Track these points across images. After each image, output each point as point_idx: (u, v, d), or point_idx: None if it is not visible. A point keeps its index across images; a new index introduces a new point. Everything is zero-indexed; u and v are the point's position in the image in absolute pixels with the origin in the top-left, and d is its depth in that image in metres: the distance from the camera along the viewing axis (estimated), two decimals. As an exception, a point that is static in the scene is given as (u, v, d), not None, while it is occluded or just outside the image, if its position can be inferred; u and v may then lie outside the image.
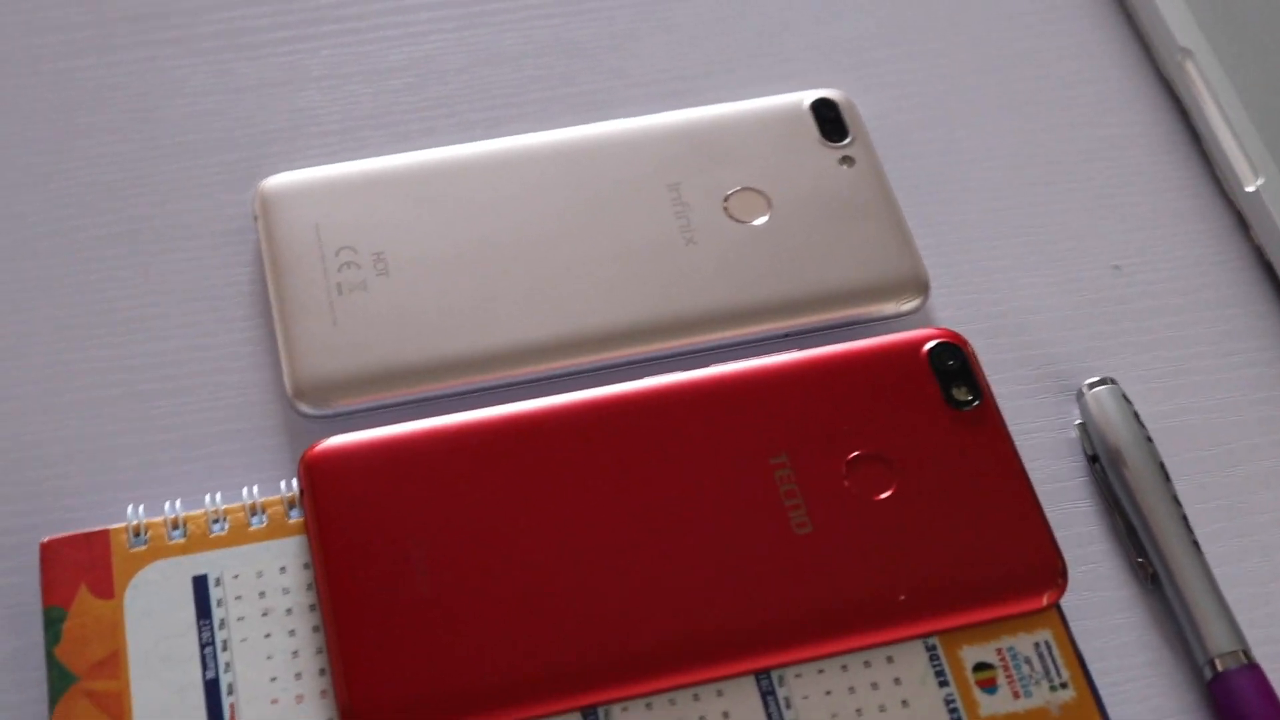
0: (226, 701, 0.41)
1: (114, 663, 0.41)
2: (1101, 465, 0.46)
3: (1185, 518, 0.45)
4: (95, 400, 0.46)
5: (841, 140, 0.52)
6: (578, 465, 0.43)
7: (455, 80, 0.54)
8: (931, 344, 0.46)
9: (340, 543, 0.42)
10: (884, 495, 0.43)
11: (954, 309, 0.50)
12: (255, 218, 0.50)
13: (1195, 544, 0.44)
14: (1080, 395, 0.47)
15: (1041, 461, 0.47)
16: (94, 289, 0.49)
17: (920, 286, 0.49)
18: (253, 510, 0.43)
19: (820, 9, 0.56)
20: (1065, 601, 0.44)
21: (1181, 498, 0.46)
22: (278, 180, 0.50)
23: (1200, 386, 0.49)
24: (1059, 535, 0.45)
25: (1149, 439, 0.46)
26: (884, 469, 0.44)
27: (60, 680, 0.40)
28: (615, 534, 0.42)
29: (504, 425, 0.44)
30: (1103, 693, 0.42)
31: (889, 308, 0.49)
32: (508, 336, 0.47)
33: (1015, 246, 0.51)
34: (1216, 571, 0.45)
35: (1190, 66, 0.53)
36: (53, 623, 0.41)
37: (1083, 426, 0.47)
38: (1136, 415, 0.46)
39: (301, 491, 0.43)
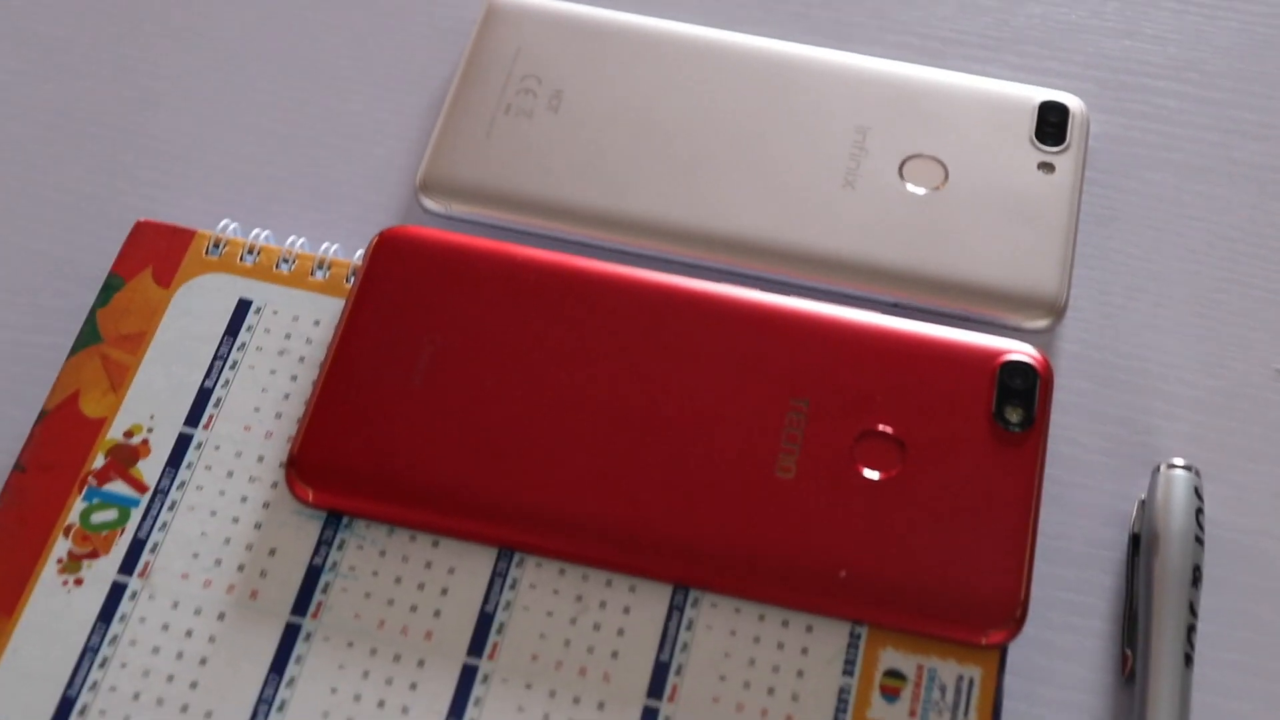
0: (209, 410, 0.43)
1: (138, 341, 0.44)
2: (1140, 546, 0.43)
3: (1192, 628, 0.41)
4: (265, 130, 0.50)
5: (1053, 146, 0.49)
6: (617, 335, 0.44)
7: (725, -30, 0.54)
8: (1008, 358, 0.44)
9: (366, 317, 0.44)
10: (880, 475, 0.42)
11: (1083, 345, 0.47)
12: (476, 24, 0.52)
13: (1188, 658, 0.41)
14: (1155, 471, 0.44)
15: (1090, 523, 0.44)
16: (311, 37, 0.52)
17: (1053, 309, 0.46)
18: (320, 264, 0.46)
19: (1120, 19, 0.53)
20: (1029, 659, 0.42)
21: (1209, 614, 0.43)
22: (509, -2, 0.52)
23: (1298, 517, 0.44)
24: (1067, 598, 0.43)
25: (1199, 540, 0.43)
26: (895, 452, 0.42)
27: (89, 336, 0.44)
28: (611, 405, 0.43)
29: (566, 274, 0.45)
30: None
31: (1014, 319, 0.47)
32: (629, 205, 0.48)
33: (1181, 312, 0.48)
34: (1204, 700, 0.42)
35: None
36: (109, 288, 0.45)
37: (1142, 503, 0.44)
38: (1200, 512, 0.43)
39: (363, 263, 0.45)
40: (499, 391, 0.43)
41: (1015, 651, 0.42)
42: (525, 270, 0.45)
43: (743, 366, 0.43)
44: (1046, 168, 0.49)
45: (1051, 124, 0.50)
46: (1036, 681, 0.42)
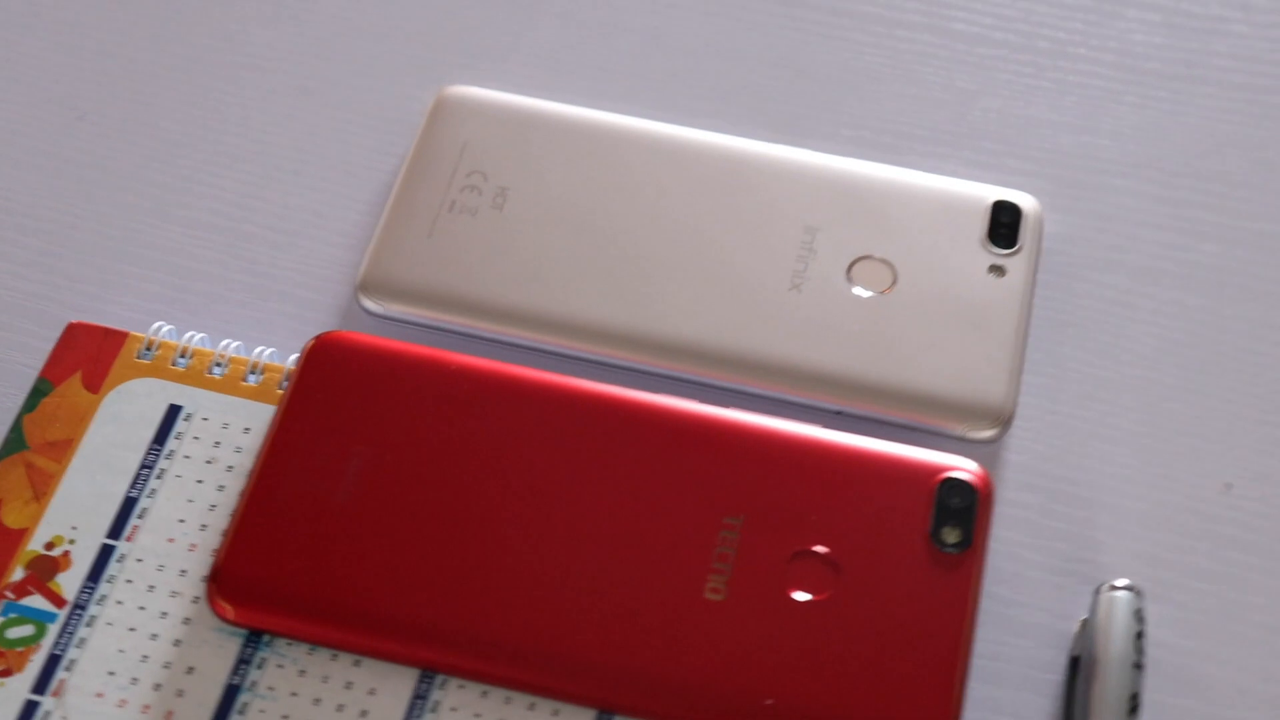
0: (133, 521, 0.43)
1: (64, 448, 0.44)
2: (1079, 669, 0.42)
3: (1128, 759, 0.40)
4: (202, 223, 0.50)
5: (1005, 249, 0.49)
6: (548, 448, 0.43)
7: (680, 61, 0.54)
8: (947, 475, 0.43)
9: (295, 427, 0.43)
10: (812, 598, 0.41)
11: (1030, 455, 0.46)
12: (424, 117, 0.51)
13: (1122, 789, 0.40)
14: (1096, 592, 0.43)
15: (1030, 644, 0.43)
16: (255, 129, 0.52)
17: (999, 420, 0.46)
18: (253, 368, 0.45)
19: (1079, 114, 0.53)
20: (962, 786, 0.41)
21: (1150, 741, 0.42)
22: (457, 90, 0.52)
23: (1240, 640, 0.44)
24: (1001, 721, 0.42)
25: (1138, 665, 0.42)
26: (829, 574, 0.42)
27: (13, 444, 0.44)
28: (539, 523, 0.42)
29: (499, 383, 0.44)
30: None
31: (959, 429, 0.46)
32: (572, 308, 0.47)
33: (1131, 422, 0.47)
34: (1142, 830, 0.41)
35: None
36: (37, 392, 0.45)
37: (1084, 624, 0.43)
38: (1141, 635, 0.42)
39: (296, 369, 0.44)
40: (425, 507, 0.42)
41: (948, 780, 0.41)
42: (459, 380, 0.44)
43: (676, 482, 0.43)
44: (998, 271, 0.48)
45: (1004, 225, 0.49)
46: (969, 812, 0.41)
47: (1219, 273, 0.50)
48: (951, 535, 0.42)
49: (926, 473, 0.43)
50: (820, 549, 0.42)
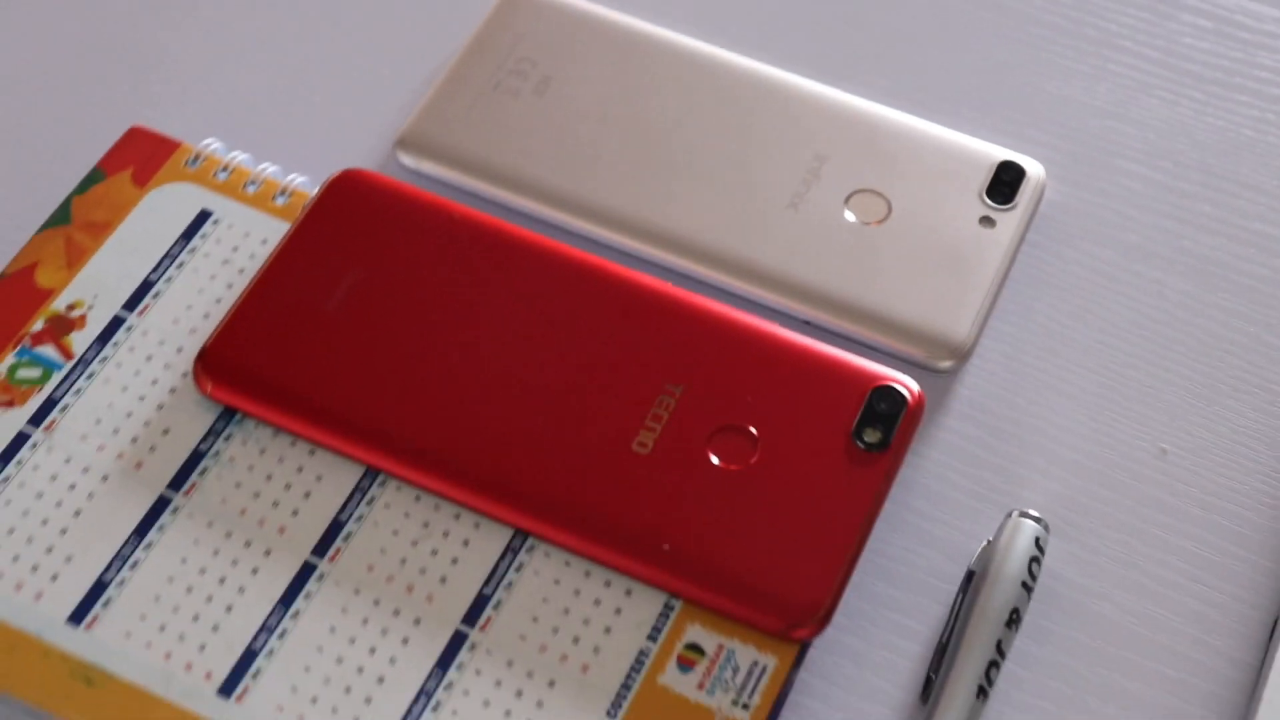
0: (147, 299, 0.48)
1: (103, 229, 0.49)
2: (972, 582, 0.45)
3: (995, 664, 0.43)
4: (276, 64, 0.55)
5: (1001, 204, 0.51)
6: (521, 296, 0.47)
7: (743, -4, 0.57)
8: (881, 384, 0.46)
9: (303, 243, 0.48)
10: (728, 465, 0.44)
11: (981, 393, 0.49)
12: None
13: (982, 690, 0.43)
14: (1006, 516, 0.46)
15: (937, 555, 0.46)
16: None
17: (956, 353, 0.48)
18: (282, 190, 0.50)
19: (1110, 100, 0.55)
20: (838, 665, 0.44)
21: (1031, 660, 0.44)
22: (526, -12, 0.56)
23: (1143, 591, 0.46)
24: (894, 618, 0.45)
25: (1027, 586, 0.44)
26: (748, 448, 0.45)
27: (59, 218, 0.49)
28: (496, 359, 0.46)
29: (491, 235, 0.48)
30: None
31: (916, 354, 0.49)
32: (581, 188, 0.51)
33: (1086, 380, 0.49)
34: (998, 735, 0.43)
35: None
36: (90, 179, 0.50)
37: (988, 544, 0.46)
38: (1036, 561, 0.45)
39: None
40: (399, 330, 0.46)
41: (826, 656, 0.44)
42: (455, 226, 0.48)
43: (632, 346, 0.46)
44: (987, 222, 0.51)
45: (1004, 183, 0.52)
46: (837, 686, 0.44)
47: (1207, 262, 0.52)
48: (871, 435, 0.45)
49: (864, 378, 0.46)
50: (747, 425, 0.45)
